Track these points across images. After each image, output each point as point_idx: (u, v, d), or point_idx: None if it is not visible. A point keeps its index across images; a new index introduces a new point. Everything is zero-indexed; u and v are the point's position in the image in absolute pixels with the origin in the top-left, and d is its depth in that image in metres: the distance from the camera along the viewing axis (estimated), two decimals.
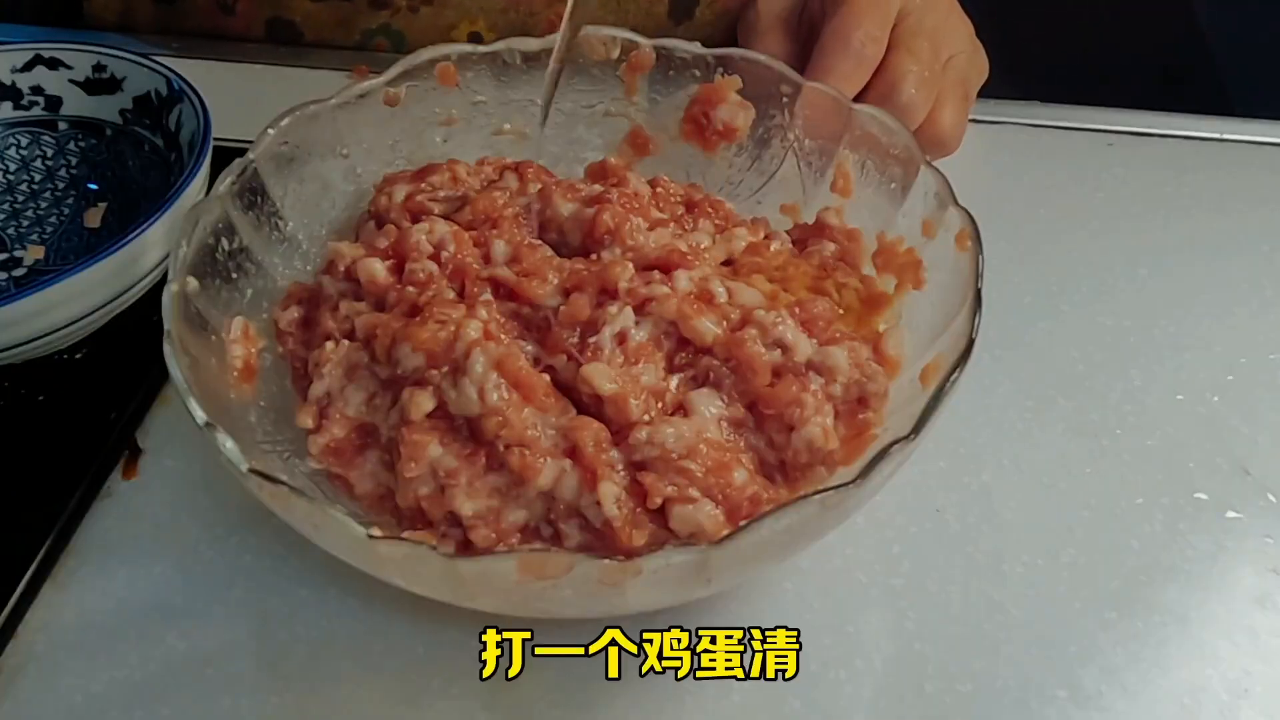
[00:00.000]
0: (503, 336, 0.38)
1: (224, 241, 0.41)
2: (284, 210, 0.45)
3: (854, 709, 0.38)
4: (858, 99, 0.50)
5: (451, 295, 0.39)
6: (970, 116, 0.57)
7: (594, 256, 0.41)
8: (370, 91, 0.46)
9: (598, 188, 0.43)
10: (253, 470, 0.33)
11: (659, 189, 0.45)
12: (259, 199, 0.43)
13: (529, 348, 0.38)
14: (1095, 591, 0.41)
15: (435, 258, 0.40)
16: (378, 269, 0.41)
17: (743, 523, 0.32)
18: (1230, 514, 0.44)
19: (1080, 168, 0.60)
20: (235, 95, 0.60)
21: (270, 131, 0.44)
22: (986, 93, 0.59)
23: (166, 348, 0.36)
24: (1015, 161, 0.60)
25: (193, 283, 0.39)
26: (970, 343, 0.36)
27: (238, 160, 0.42)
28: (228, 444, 0.34)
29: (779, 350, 0.38)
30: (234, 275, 0.42)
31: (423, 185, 0.44)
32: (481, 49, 0.48)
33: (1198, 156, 0.61)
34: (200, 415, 0.34)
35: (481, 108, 0.49)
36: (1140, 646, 0.40)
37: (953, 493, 0.44)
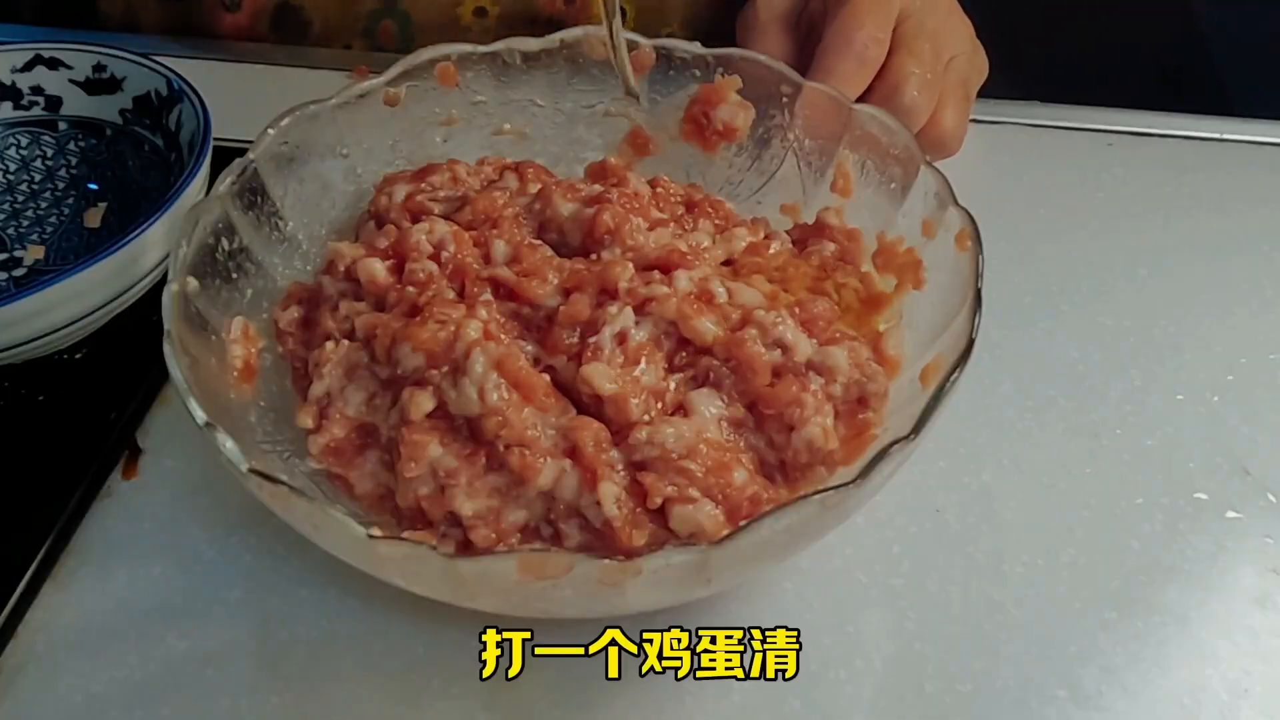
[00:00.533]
0: (503, 336, 0.38)
1: (224, 241, 0.41)
2: (284, 210, 0.45)
3: (854, 709, 0.38)
4: (859, 101, 0.50)
5: (451, 295, 0.39)
6: (970, 116, 0.57)
7: (594, 256, 0.41)
8: (370, 91, 0.46)
9: (598, 188, 0.43)
10: (253, 470, 0.33)
11: (659, 189, 0.45)
12: (259, 199, 0.43)
13: (529, 348, 0.38)
14: (1095, 591, 0.41)
15: (435, 258, 0.40)
16: (378, 269, 0.41)
17: (743, 523, 0.32)
18: (1230, 514, 0.44)
19: (1080, 168, 0.60)
20: (235, 95, 0.60)
21: (270, 131, 0.44)
22: (986, 93, 0.59)
23: (166, 348, 0.36)
24: (1015, 161, 0.60)
25: (193, 283, 0.39)
26: (970, 343, 0.36)
27: (238, 160, 0.42)
28: (228, 444, 0.34)
29: (779, 350, 0.38)
30: (234, 275, 0.42)
31: (423, 185, 0.44)
32: (481, 49, 0.48)
33: (1198, 156, 0.61)
34: (200, 415, 0.34)
35: (481, 108, 0.49)
36: (1140, 646, 0.40)
37: (953, 493, 0.44)
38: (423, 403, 0.36)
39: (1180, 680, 0.39)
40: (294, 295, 0.43)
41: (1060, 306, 0.52)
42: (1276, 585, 0.42)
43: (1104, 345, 0.50)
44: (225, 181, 0.42)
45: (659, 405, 0.37)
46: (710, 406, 0.37)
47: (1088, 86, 0.70)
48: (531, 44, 0.48)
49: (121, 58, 0.53)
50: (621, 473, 0.36)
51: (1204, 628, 0.40)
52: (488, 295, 0.39)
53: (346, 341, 0.39)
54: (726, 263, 0.43)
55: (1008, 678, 0.39)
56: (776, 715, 0.38)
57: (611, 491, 0.35)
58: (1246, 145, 0.62)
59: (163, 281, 0.38)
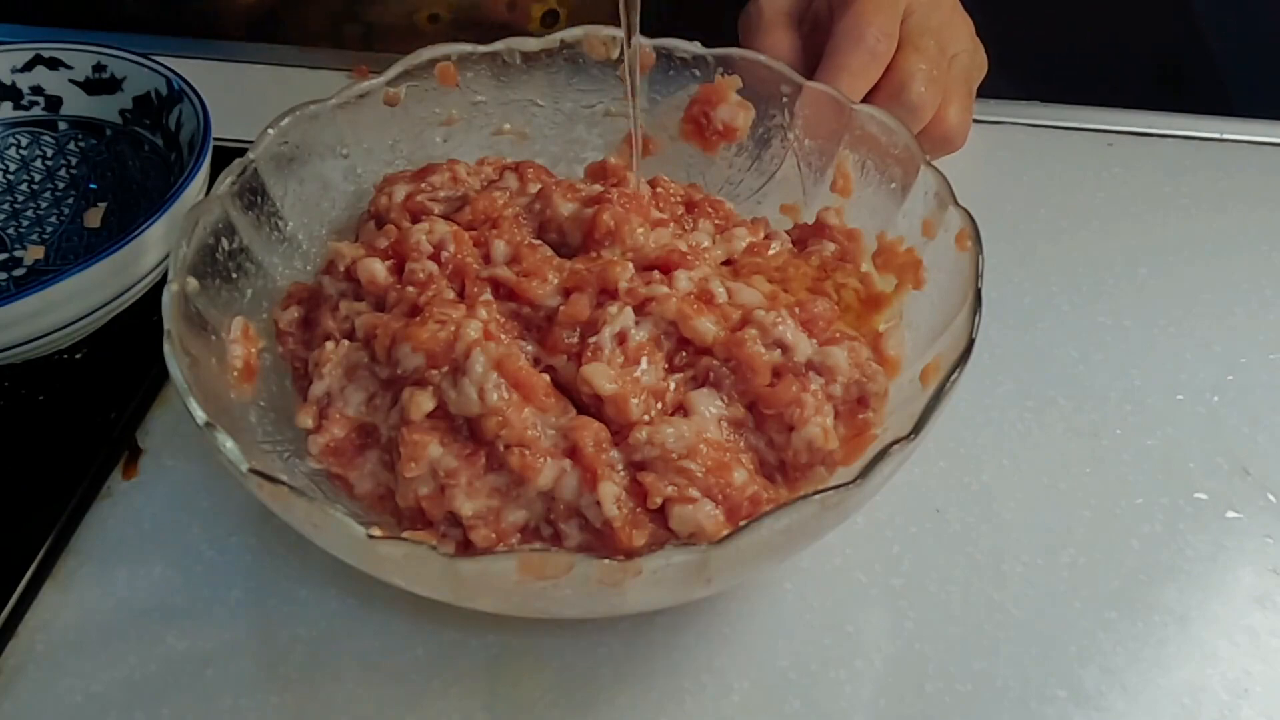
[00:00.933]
0: (503, 337, 0.38)
1: (224, 241, 0.41)
2: (284, 210, 0.45)
3: (854, 709, 0.38)
4: (866, 98, 0.50)
5: (451, 295, 0.39)
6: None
7: (594, 255, 0.41)
8: (370, 91, 0.46)
9: (598, 188, 0.43)
10: (253, 470, 0.33)
11: (659, 189, 0.45)
12: (259, 199, 0.43)
13: (529, 348, 0.38)
14: (1095, 591, 0.41)
15: (435, 258, 0.40)
16: (378, 269, 0.41)
17: (743, 523, 0.32)
18: (1230, 514, 0.44)
19: (1080, 168, 0.60)
20: (235, 95, 0.60)
21: (270, 131, 0.44)
22: (986, 92, 0.59)
23: (166, 348, 0.36)
24: (1015, 161, 0.60)
25: (193, 283, 0.39)
26: (970, 343, 0.36)
27: (238, 160, 0.42)
28: (228, 444, 0.34)
29: (779, 350, 0.38)
30: (234, 275, 0.42)
31: (423, 185, 0.44)
32: (481, 49, 0.48)
33: (1198, 156, 0.61)
34: (200, 415, 0.34)
35: (481, 108, 0.49)
36: (1140, 646, 0.40)
37: (953, 493, 0.44)
38: (423, 403, 0.36)
39: (1180, 680, 0.39)
40: (294, 295, 0.43)
41: (1060, 306, 0.52)
42: (1276, 585, 0.42)
43: (1104, 345, 0.50)
44: (225, 181, 0.42)
45: (659, 405, 0.37)
46: (710, 406, 0.37)
47: (1088, 86, 0.70)
48: (531, 44, 0.48)
49: (121, 58, 0.53)
50: (621, 473, 0.36)
51: (1204, 628, 0.40)
52: (488, 295, 0.39)
53: (346, 341, 0.39)
54: (726, 262, 0.43)
55: (1008, 678, 0.39)
56: (776, 715, 0.38)
57: (611, 491, 0.35)
58: (1246, 145, 0.62)
59: (163, 281, 0.38)
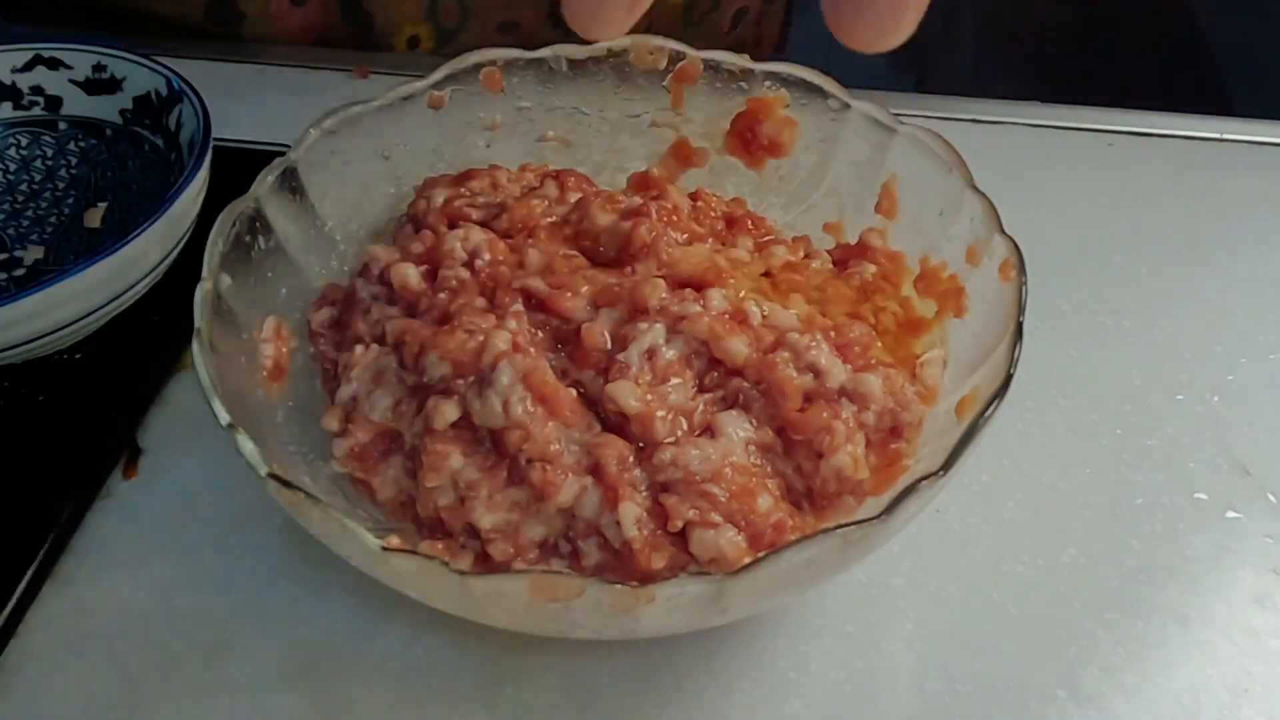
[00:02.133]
0: (531, 349, 0.37)
1: (260, 240, 0.41)
2: (322, 210, 0.44)
3: (854, 709, 0.38)
4: None
5: (483, 304, 0.39)
6: (971, 116, 0.57)
7: (628, 270, 0.39)
8: (414, 94, 0.45)
9: (637, 200, 0.42)
10: (271, 475, 0.32)
11: (699, 203, 0.44)
12: (298, 198, 0.43)
13: (559, 360, 0.37)
14: (1095, 591, 0.41)
15: (469, 265, 0.40)
16: (410, 274, 0.40)
17: (761, 554, 0.31)
18: (1230, 514, 0.44)
19: (1080, 168, 0.60)
20: (235, 95, 0.60)
21: (312, 132, 0.43)
22: (987, 93, 0.59)
23: (195, 345, 0.35)
24: (1015, 161, 0.60)
25: (226, 279, 0.38)
26: (1009, 377, 0.35)
27: (278, 159, 0.42)
28: (248, 446, 0.33)
29: (811, 375, 0.37)
30: (269, 274, 0.41)
31: (462, 190, 0.44)
32: (528, 54, 0.47)
33: (1198, 156, 0.61)
34: (224, 416, 0.34)
35: (525, 114, 0.48)
36: (1140, 646, 0.40)
37: (953, 493, 0.44)
38: (447, 412, 0.36)
39: (1180, 680, 0.39)
40: (328, 296, 0.42)
41: (1060, 307, 0.52)
42: (1276, 585, 0.42)
43: (1104, 345, 0.50)
44: (265, 180, 0.41)
45: (686, 425, 0.36)
46: (738, 429, 0.36)
47: (1088, 86, 0.70)
48: (578, 51, 0.47)
49: (121, 58, 0.53)
50: (644, 493, 0.35)
51: (1204, 628, 0.40)
52: (519, 306, 0.38)
53: (376, 346, 0.39)
54: (766, 274, 0.41)
55: (1008, 678, 0.39)
56: (776, 715, 0.38)
57: (632, 512, 0.34)
58: (1246, 145, 0.62)
59: (164, 281, 0.38)
